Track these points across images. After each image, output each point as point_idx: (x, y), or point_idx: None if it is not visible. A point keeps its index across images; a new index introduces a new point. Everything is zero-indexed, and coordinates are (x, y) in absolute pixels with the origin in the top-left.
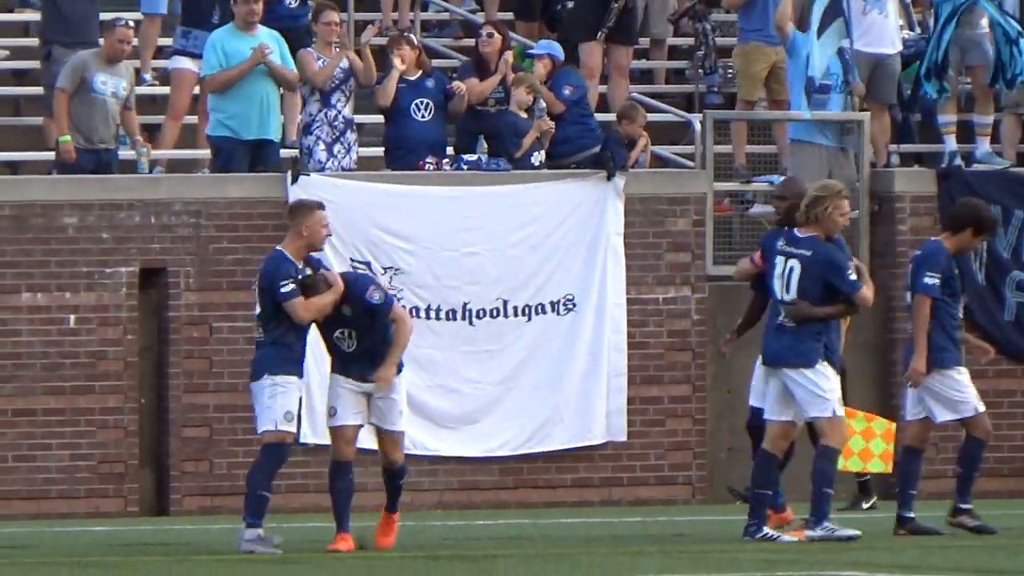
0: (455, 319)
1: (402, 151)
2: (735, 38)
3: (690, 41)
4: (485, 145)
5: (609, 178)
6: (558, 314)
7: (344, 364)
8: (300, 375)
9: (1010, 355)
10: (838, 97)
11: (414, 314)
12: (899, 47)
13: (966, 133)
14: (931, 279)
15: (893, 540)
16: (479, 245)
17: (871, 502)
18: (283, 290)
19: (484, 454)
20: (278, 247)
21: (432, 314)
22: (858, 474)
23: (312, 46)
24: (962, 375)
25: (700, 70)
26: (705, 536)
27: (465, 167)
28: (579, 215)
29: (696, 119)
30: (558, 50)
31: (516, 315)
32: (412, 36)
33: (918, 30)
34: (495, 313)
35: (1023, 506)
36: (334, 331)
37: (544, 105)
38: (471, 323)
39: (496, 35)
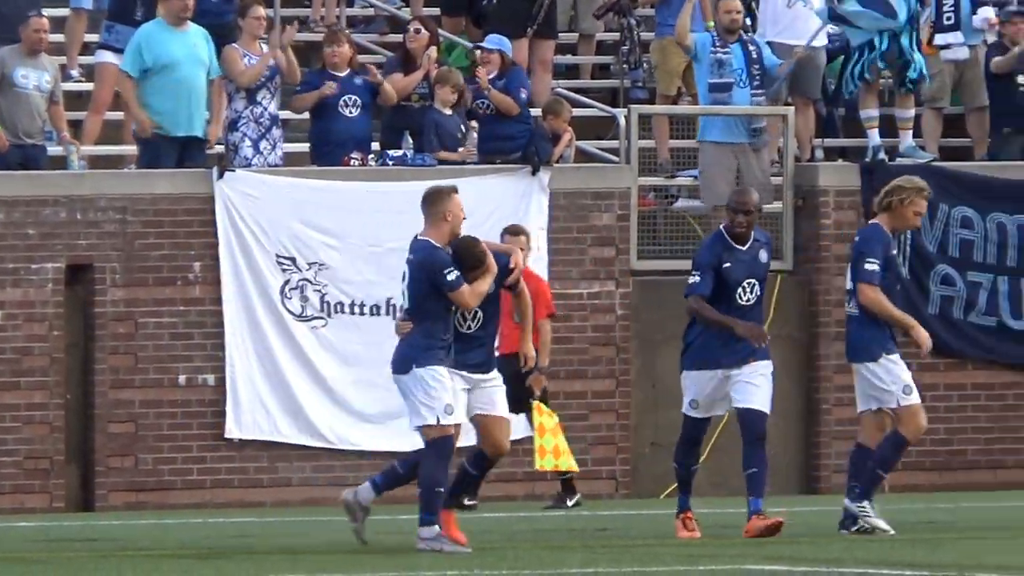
0: (379, 314)
1: (328, 147)
2: (655, 32)
3: (615, 36)
4: (411, 141)
5: (534, 173)
6: None
7: (460, 351)
8: (448, 365)
9: (934, 349)
10: (743, 92)
11: (338, 310)
12: (824, 41)
13: (889, 127)
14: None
15: (816, 534)
16: (404, 240)
17: (575, 499)
18: (450, 278)
19: (408, 449)
20: (422, 237)
21: (356, 310)
22: (560, 473)
23: (238, 42)
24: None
25: (625, 65)
26: (628, 531)
27: (390, 163)
28: (504, 210)
29: (621, 114)
30: (508, 47)
31: None
32: (347, 33)
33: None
34: None
35: (945, 500)
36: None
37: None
38: (395, 318)
39: (423, 31)
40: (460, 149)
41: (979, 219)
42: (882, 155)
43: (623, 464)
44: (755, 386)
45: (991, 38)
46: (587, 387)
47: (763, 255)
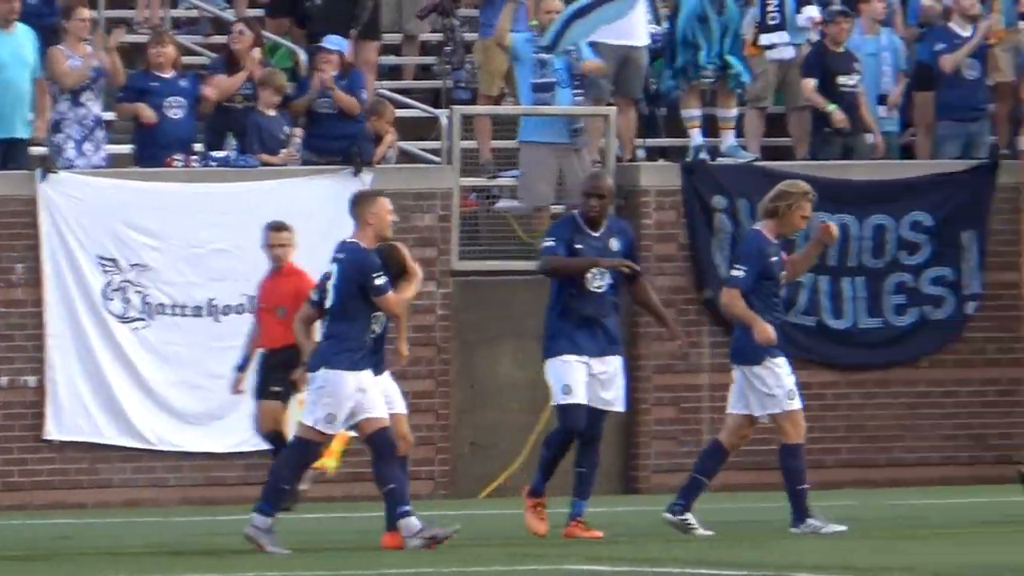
0: (201, 315)
1: (152, 149)
2: (478, 33)
3: (438, 37)
4: (234, 142)
5: (356, 174)
6: None
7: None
8: (355, 369)
9: None
10: (564, 93)
11: (160, 311)
12: (647, 41)
13: (712, 127)
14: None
15: (635, 534)
16: (226, 242)
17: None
18: (378, 283)
19: (229, 449)
20: (350, 239)
21: (178, 310)
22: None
23: (63, 44)
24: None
25: (447, 66)
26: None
27: (213, 164)
28: (327, 211)
29: (443, 115)
30: (348, 48)
31: None
32: (171, 35)
33: (665, 24)
34: (240, 309)
35: (765, 499)
36: None
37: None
38: (217, 320)
39: (247, 32)
40: (283, 151)
41: None
42: (704, 155)
43: (442, 464)
44: (617, 387)
45: (815, 37)
46: (407, 387)
47: (615, 243)
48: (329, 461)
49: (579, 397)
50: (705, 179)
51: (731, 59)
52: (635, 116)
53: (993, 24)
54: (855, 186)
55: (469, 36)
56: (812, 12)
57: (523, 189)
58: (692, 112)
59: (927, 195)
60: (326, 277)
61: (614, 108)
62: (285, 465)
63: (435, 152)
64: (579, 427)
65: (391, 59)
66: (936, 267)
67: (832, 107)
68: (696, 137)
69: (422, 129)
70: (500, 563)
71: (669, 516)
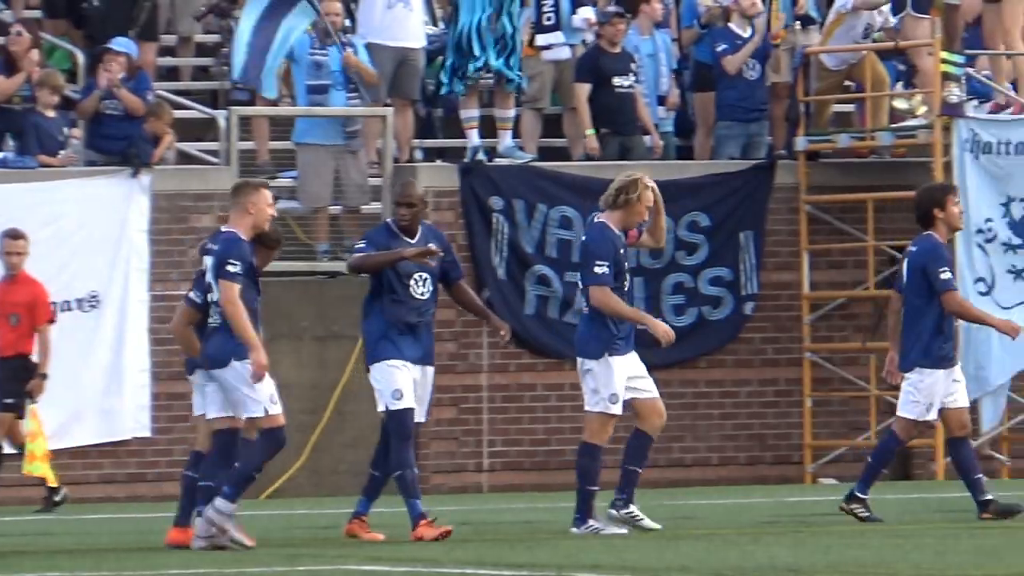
0: None
1: None
2: None
3: (216, 38)
4: (12, 143)
5: (134, 175)
6: (83, 311)
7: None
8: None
9: (532, 350)
10: (340, 94)
11: None
12: (423, 42)
13: (489, 128)
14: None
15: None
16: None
17: (61, 495)
18: (228, 268)
19: (7, 450)
20: (228, 228)
21: None
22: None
23: None
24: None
25: (225, 67)
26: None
27: None
28: (106, 212)
29: (221, 116)
30: (135, 49)
31: None
32: None
33: (441, 26)
34: None
35: (545, 500)
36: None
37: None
38: None
39: (24, 33)
40: (61, 152)
41: (579, 219)
42: (481, 155)
43: None
44: (422, 395)
45: (590, 38)
46: (188, 388)
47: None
48: (35, 466)
49: (409, 401)
50: (482, 180)
51: (504, 69)
52: (412, 117)
53: (773, 25)
54: None
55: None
56: (587, 14)
57: (301, 190)
58: (470, 113)
59: (704, 196)
60: (201, 274)
61: (391, 109)
62: (259, 457)
63: (213, 153)
64: (409, 431)
65: (168, 60)
66: (714, 267)
67: (590, 132)
68: (473, 138)
69: (200, 130)
70: (279, 564)
71: (613, 512)
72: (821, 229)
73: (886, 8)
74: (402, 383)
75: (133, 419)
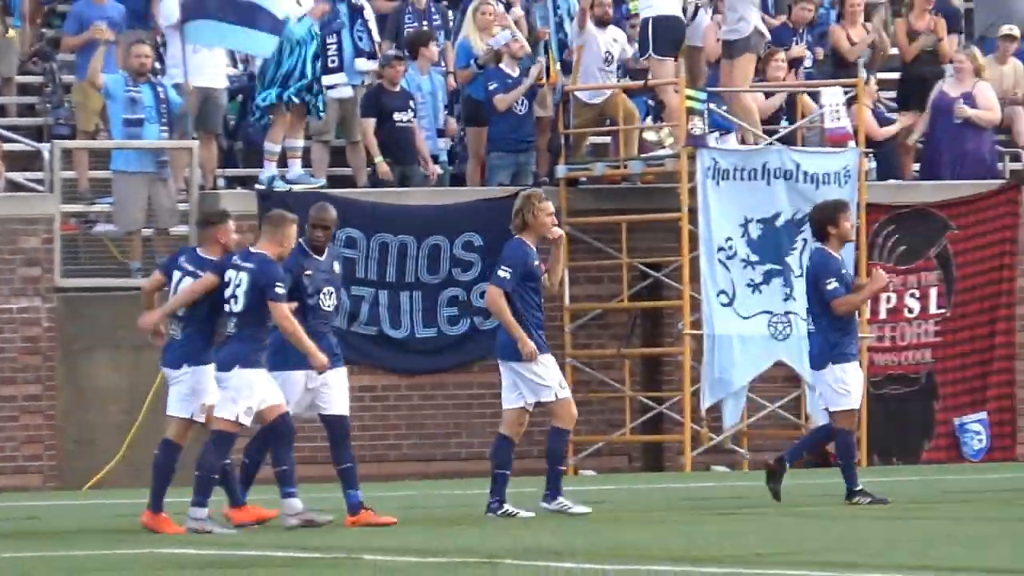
0: None
1: None
2: (76, 75)
3: (40, 79)
4: None
5: None
6: None
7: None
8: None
9: None
10: (153, 128)
11: None
12: (225, 83)
13: (282, 158)
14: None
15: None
16: None
17: None
18: (278, 291)
19: None
20: (259, 251)
21: None
22: None
23: None
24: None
25: (48, 104)
26: (59, 517)
27: None
28: None
29: (46, 148)
30: None
31: None
32: None
33: (241, 67)
34: None
35: (334, 490)
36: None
37: None
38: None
39: None
40: None
41: (364, 240)
42: (278, 183)
43: (50, 460)
44: (338, 391)
45: (370, 80)
46: (18, 391)
47: (336, 266)
48: None
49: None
50: (278, 205)
51: (294, 98)
52: (216, 149)
53: (552, 71)
54: (412, 211)
55: (68, 78)
56: (363, 65)
57: (117, 214)
58: (273, 147)
59: (478, 219)
60: (179, 253)
61: (197, 142)
62: (212, 458)
63: (39, 181)
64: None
65: None
66: (485, 282)
67: (379, 159)
68: (270, 167)
69: (27, 161)
70: (102, 547)
71: (545, 505)
72: (580, 248)
73: (621, 37)
74: (291, 393)
75: None
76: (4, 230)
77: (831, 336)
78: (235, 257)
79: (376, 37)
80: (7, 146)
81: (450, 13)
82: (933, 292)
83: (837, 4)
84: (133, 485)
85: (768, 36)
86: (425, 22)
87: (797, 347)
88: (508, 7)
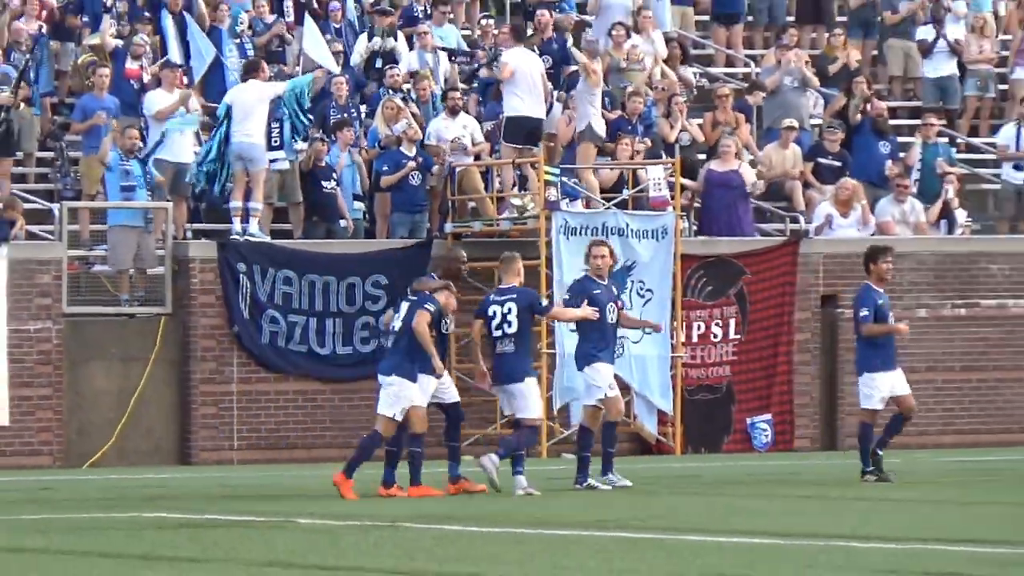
0: None
1: None
2: (81, 152)
3: (51, 154)
4: None
5: None
6: None
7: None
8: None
9: (265, 367)
10: (142, 192)
11: None
12: (193, 158)
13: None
14: (431, 305)
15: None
16: None
17: None
18: (544, 303)
19: None
20: (507, 286)
21: None
22: None
23: None
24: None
25: (59, 174)
26: (64, 488)
27: None
28: None
29: (56, 207)
30: None
31: None
32: None
33: (204, 146)
34: None
35: (280, 469)
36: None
37: None
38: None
39: None
40: None
41: (297, 279)
42: (235, 235)
43: (58, 445)
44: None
45: (303, 156)
46: (33, 392)
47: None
48: None
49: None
50: (232, 252)
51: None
52: (186, 208)
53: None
54: (334, 257)
55: (73, 154)
56: (299, 145)
57: (112, 258)
58: (235, 204)
59: (383, 263)
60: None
61: (171, 203)
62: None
63: (51, 232)
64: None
65: (19, 169)
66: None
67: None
68: (235, 224)
69: (41, 217)
70: (97, 511)
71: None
72: (465, 287)
73: (471, 123)
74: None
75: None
76: (23, 269)
77: (864, 351)
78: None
79: (307, 123)
80: (27, 205)
81: (363, 107)
82: (732, 322)
83: (663, 102)
84: (121, 465)
85: (602, 130)
86: (345, 113)
87: (627, 364)
88: (406, 102)
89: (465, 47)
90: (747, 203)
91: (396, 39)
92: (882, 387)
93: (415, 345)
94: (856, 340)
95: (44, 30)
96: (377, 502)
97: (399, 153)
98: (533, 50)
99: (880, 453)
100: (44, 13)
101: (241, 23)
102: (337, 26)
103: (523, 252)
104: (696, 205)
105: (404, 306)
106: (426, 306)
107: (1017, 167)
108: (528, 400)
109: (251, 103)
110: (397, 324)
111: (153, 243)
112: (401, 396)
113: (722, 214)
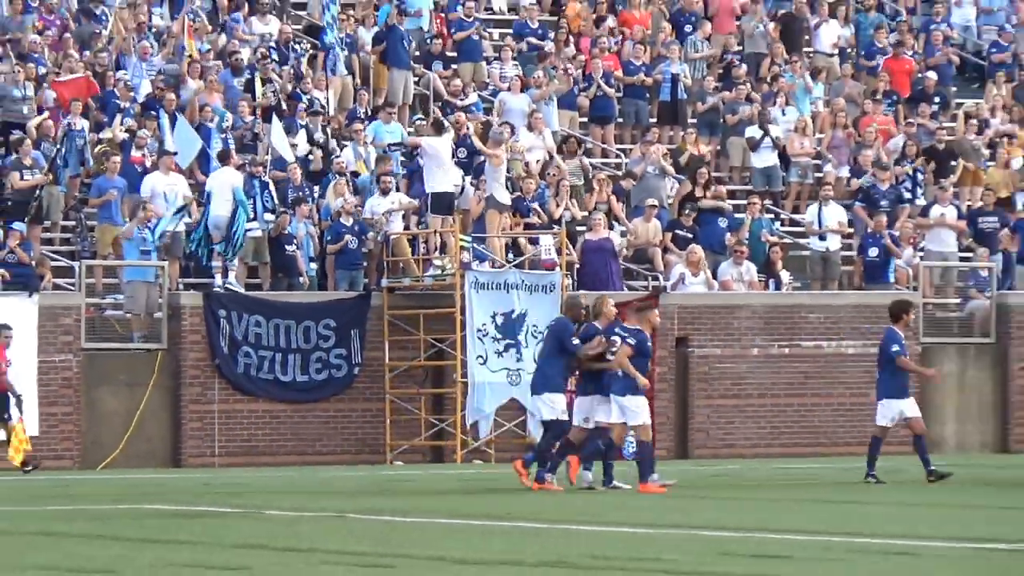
0: None
1: None
2: (96, 221)
3: (73, 223)
4: None
5: (30, 296)
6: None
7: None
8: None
9: (241, 391)
10: (154, 254)
11: None
12: (184, 227)
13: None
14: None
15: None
16: None
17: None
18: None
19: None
20: (637, 327)
21: None
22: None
23: None
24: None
25: (79, 238)
26: (82, 486)
27: None
28: (16, 314)
29: (77, 265)
30: (25, 228)
31: None
32: None
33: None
34: None
35: (274, 471)
36: None
37: None
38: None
39: None
40: None
41: (265, 322)
42: (216, 287)
43: (77, 451)
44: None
45: (272, 226)
46: (58, 411)
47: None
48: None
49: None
50: (215, 300)
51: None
52: (178, 267)
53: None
54: (294, 305)
55: (90, 223)
56: (268, 217)
57: (126, 305)
58: (216, 264)
59: (332, 311)
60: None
61: (166, 262)
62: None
63: (72, 284)
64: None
65: (46, 235)
66: (337, 348)
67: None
68: (218, 277)
69: (64, 272)
70: (109, 503)
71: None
72: (397, 329)
73: (399, 198)
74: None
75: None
76: (50, 313)
77: (886, 381)
78: (618, 329)
79: (275, 200)
80: (53, 263)
81: (316, 187)
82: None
83: (552, 185)
84: (127, 467)
85: (506, 200)
86: (301, 192)
87: (524, 390)
88: (348, 184)
89: (407, 139)
90: (617, 264)
91: (331, 136)
92: (894, 410)
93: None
94: (879, 371)
95: (73, 125)
96: (322, 496)
97: (340, 224)
98: (447, 135)
99: (932, 467)
100: (81, 107)
101: (226, 121)
102: (303, 123)
103: (442, 303)
104: (576, 265)
105: (616, 340)
106: (628, 340)
107: (821, 238)
108: (641, 411)
109: (222, 185)
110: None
111: (157, 294)
112: (641, 411)
113: (599, 272)
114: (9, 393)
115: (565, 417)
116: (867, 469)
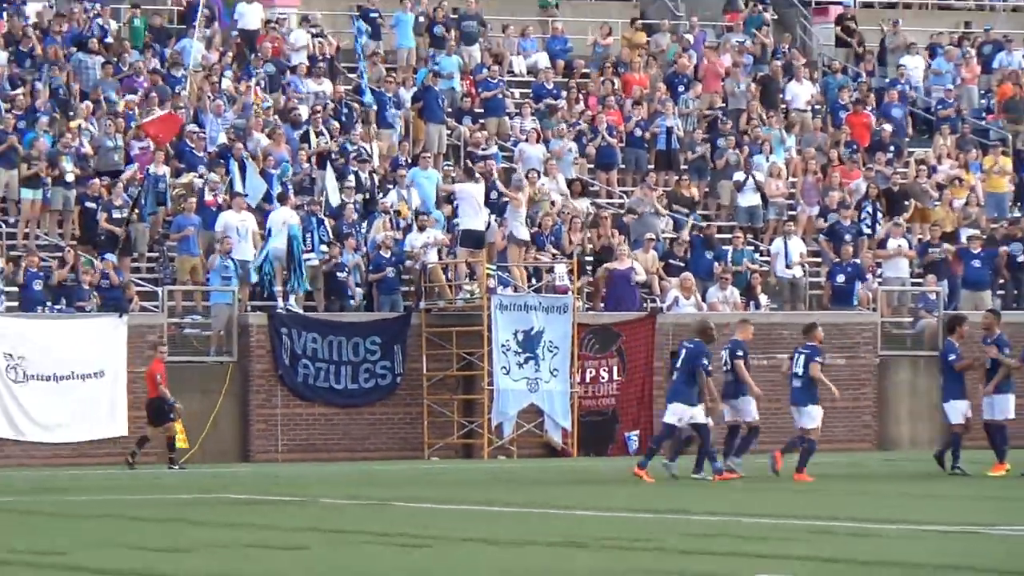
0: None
1: None
2: (176, 253)
3: (157, 254)
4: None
5: (120, 316)
6: (96, 379)
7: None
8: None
9: (300, 397)
10: (235, 281)
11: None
12: (251, 256)
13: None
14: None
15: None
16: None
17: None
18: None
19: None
20: (739, 339)
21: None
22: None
23: None
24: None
25: (161, 267)
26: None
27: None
28: (109, 333)
29: (159, 289)
30: (116, 259)
31: None
32: None
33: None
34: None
35: (332, 465)
36: None
37: None
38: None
39: (68, 251)
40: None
41: (321, 339)
42: (279, 309)
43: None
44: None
45: (326, 255)
46: (144, 414)
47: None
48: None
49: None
50: (278, 320)
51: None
52: (247, 292)
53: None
54: (345, 324)
55: (171, 253)
56: (324, 248)
57: (213, 323)
58: (279, 288)
59: (377, 328)
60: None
61: (237, 287)
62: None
63: (156, 306)
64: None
65: (134, 264)
66: (383, 360)
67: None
68: (280, 301)
69: (150, 296)
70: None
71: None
72: (433, 344)
73: (434, 234)
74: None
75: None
76: (137, 332)
77: (949, 386)
78: (733, 346)
79: (330, 234)
80: (139, 288)
81: (365, 223)
82: (615, 369)
83: (567, 222)
84: (204, 462)
85: (526, 236)
86: (352, 228)
87: (541, 396)
88: (392, 222)
89: (442, 183)
90: (637, 289)
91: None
92: (962, 408)
93: (811, 382)
94: (943, 378)
95: (153, 170)
96: (361, 487)
97: (380, 256)
98: (478, 183)
99: (959, 463)
100: (163, 156)
101: (286, 170)
102: (354, 168)
103: (471, 322)
104: (588, 290)
105: (800, 358)
106: (816, 358)
107: (787, 266)
108: (816, 418)
109: (280, 222)
110: (799, 370)
111: (235, 313)
112: (815, 416)
113: (623, 296)
114: (162, 399)
115: (686, 424)
116: (953, 461)
